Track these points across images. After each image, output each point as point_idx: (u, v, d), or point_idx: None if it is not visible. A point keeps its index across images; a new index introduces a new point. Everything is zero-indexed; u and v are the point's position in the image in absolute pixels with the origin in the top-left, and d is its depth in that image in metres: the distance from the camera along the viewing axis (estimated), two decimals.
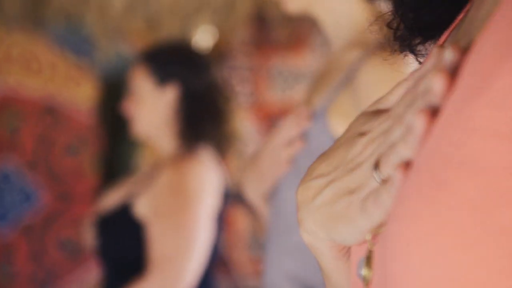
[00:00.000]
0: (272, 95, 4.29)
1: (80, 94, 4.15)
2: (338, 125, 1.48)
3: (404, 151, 0.58)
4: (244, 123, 4.22)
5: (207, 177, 2.37)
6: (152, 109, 2.43)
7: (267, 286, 1.56)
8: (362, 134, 0.67)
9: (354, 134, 0.68)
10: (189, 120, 2.42)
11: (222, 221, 2.49)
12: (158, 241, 2.28)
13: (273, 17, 4.18)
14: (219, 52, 4.27)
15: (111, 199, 2.51)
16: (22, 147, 4.08)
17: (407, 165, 0.58)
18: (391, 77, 1.42)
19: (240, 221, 4.14)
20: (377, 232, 0.62)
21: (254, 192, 1.60)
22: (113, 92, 4.01)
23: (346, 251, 0.71)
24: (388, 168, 0.60)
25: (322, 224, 0.68)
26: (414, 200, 0.53)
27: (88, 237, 2.55)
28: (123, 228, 2.39)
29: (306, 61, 4.25)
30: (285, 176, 1.52)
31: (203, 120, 2.43)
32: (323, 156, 0.71)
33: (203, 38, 4.26)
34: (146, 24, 4.15)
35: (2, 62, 4.06)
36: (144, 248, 2.34)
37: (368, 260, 0.63)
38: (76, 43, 4.12)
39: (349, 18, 1.54)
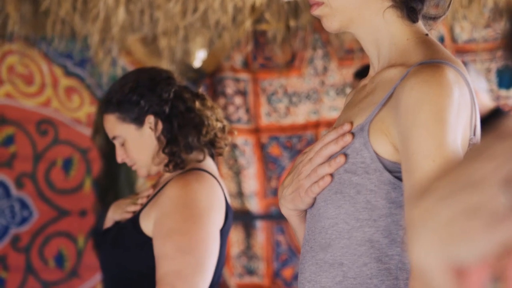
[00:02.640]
0: (267, 112, 4.30)
1: (79, 110, 4.13)
2: (378, 143, 1.48)
3: None
4: (239, 139, 4.22)
5: (212, 190, 2.35)
6: (144, 149, 2.41)
7: None
8: (480, 153, 0.67)
9: (471, 153, 0.68)
10: (175, 137, 2.40)
11: (227, 238, 2.46)
12: (167, 260, 2.26)
13: (271, 39, 4.21)
14: (217, 68, 4.28)
15: (115, 214, 2.48)
16: (19, 161, 4.06)
17: None
18: (431, 96, 1.43)
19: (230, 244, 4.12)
20: (508, 252, 0.62)
21: (292, 209, 1.60)
22: None
23: (457, 271, 0.71)
24: None
25: (440, 244, 0.67)
26: None
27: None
28: (128, 242, 2.37)
29: (302, 81, 4.27)
30: (324, 193, 1.52)
31: (186, 130, 2.40)
32: (438, 175, 0.70)
33: (199, 58, 4.27)
34: (146, 41, 4.16)
35: (3, 75, 4.04)
36: (148, 263, 2.32)
37: (499, 279, 0.63)
38: (76, 59, 4.12)
39: (389, 37, 1.55)
